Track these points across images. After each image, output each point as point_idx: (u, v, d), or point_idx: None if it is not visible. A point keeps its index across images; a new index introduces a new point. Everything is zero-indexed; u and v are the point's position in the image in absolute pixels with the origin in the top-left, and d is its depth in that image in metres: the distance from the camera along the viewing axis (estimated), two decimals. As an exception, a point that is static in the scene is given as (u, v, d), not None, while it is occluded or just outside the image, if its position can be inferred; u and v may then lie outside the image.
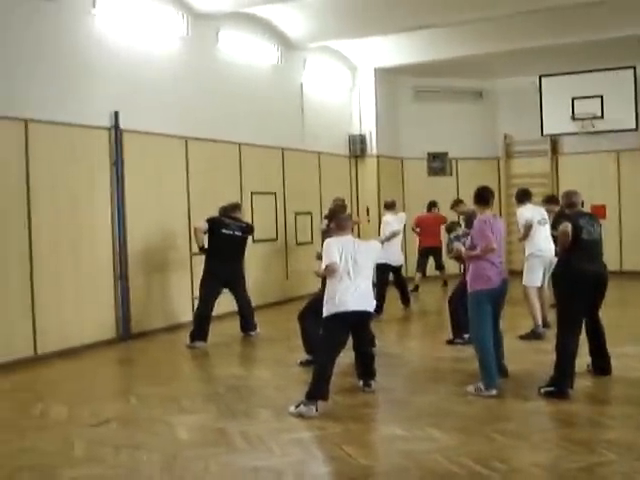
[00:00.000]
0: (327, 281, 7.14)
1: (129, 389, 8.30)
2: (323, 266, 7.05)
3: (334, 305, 6.94)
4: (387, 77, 17.54)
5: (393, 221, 12.74)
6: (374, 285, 8.61)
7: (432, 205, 15.68)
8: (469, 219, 8.85)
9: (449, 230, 9.90)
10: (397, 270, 12.75)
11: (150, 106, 11.22)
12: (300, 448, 5.83)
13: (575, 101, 17.23)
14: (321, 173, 15.77)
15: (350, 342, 7.38)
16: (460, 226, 9.84)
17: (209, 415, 6.83)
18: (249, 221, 11.84)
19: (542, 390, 7.09)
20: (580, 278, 7.24)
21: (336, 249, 7.00)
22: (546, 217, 10.45)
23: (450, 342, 9.75)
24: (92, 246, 10.33)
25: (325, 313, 7.02)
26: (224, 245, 10.42)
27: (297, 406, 6.63)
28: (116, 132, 10.63)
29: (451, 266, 14.08)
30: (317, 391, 6.69)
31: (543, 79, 17.51)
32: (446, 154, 18.49)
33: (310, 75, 15.56)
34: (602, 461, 5.28)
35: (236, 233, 10.58)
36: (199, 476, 5.27)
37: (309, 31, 14.47)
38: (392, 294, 12.70)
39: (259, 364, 9.63)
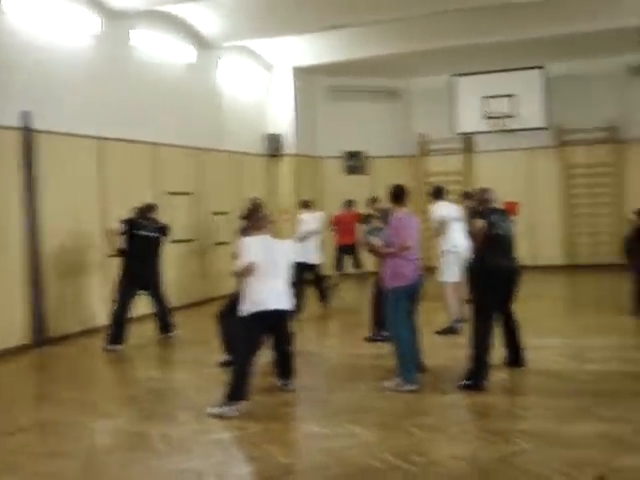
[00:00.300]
0: (245, 280, 7.14)
1: (46, 395, 8.15)
2: (240, 265, 7.05)
3: (252, 304, 6.94)
4: (303, 76, 17.61)
5: (310, 220, 12.79)
6: (292, 284, 8.64)
7: (349, 203, 15.77)
8: (385, 217, 8.95)
9: (364, 222, 9.96)
10: (315, 268, 12.83)
11: (63, 106, 11.02)
12: (221, 449, 5.84)
13: (488, 100, 17.62)
14: (238, 173, 15.73)
15: (269, 341, 7.40)
16: (375, 219, 9.90)
17: (129, 419, 6.77)
18: (165, 222, 11.73)
19: (459, 383, 7.25)
20: (493, 273, 7.45)
21: (253, 248, 7.00)
22: (461, 214, 10.67)
23: (369, 339, 9.85)
24: (2, 249, 10.09)
25: (243, 313, 7.00)
26: (140, 246, 10.31)
27: (217, 407, 6.62)
28: (27, 133, 10.39)
29: (369, 263, 14.22)
30: (237, 391, 6.69)
31: (457, 78, 17.86)
32: (362, 153, 18.67)
33: (226, 74, 15.50)
34: (518, 450, 5.44)
35: (152, 234, 10.48)
36: (119, 481, 5.23)
37: (225, 30, 14.43)
38: (311, 293, 12.75)
39: (178, 366, 9.57)
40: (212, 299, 13.61)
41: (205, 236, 14.50)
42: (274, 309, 6.96)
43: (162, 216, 11.41)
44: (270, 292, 6.95)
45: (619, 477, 4.78)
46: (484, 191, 8.02)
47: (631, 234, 11.67)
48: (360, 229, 12.10)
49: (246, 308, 6.98)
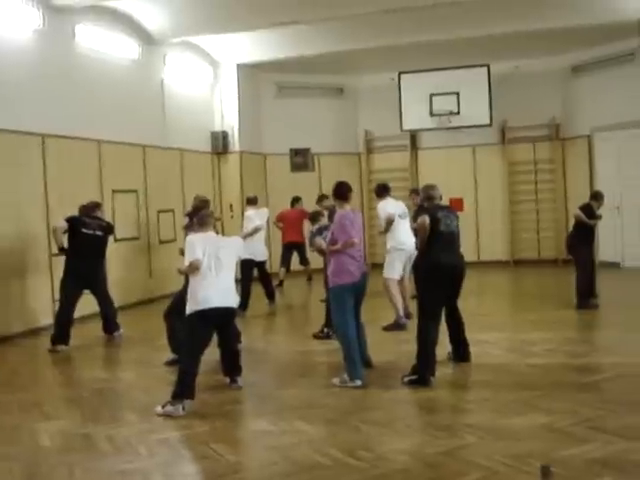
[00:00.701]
0: (190, 278, 7.10)
1: (-13, 396, 8.00)
2: (186, 263, 7.01)
3: (197, 302, 6.90)
4: (249, 73, 17.55)
5: (255, 216, 12.75)
6: (238, 281, 8.62)
7: (295, 200, 15.78)
8: (331, 214, 8.99)
9: (313, 219, 9.98)
10: (261, 265, 12.79)
11: (6, 102, 10.79)
12: (168, 448, 5.80)
13: (433, 97, 17.73)
14: (183, 170, 15.62)
15: (215, 339, 7.38)
16: (323, 216, 9.93)
17: (73, 420, 6.68)
18: (110, 220, 11.61)
19: (405, 379, 7.31)
20: (438, 269, 7.53)
21: (198, 246, 6.97)
22: (407, 211, 10.78)
23: (317, 336, 9.85)
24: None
25: (188, 311, 6.96)
26: (84, 245, 10.16)
27: (163, 406, 6.58)
28: (-35, 129, 10.20)
29: (315, 261, 14.25)
30: (183, 390, 6.65)
31: (402, 76, 17.91)
32: (308, 150, 18.67)
33: (171, 71, 15.37)
34: (463, 444, 5.51)
35: (97, 232, 10.34)
36: (64, 483, 5.16)
37: (170, 26, 14.30)
38: (257, 290, 12.73)
39: (124, 366, 9.47)
40: (158, 298, 13.50)
41: (150, 234, 14.36)
42: (219, 307, 6.92)
43: (107, 214, 11.29)
44: (215, 290, 6.90)
45: (562, 467, 4.86)
46: (429, 188, 8.09)
47: (574, 230, 11.90)
48: (307, 227, 12.13)
49: (191, 306, 6.93)
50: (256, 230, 12.42)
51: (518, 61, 17.64)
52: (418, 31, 15.14)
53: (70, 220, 10.18)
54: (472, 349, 8.16)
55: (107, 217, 11.47)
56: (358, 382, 7.28)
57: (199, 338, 6.94)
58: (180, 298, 7.85)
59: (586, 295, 11.37)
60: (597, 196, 11.95)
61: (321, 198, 12.64)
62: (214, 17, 14.04)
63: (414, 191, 11.88)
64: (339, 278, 7.46)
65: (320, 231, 9.39)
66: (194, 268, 6.89)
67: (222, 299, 6.96)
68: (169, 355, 8.51)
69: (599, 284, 11.95)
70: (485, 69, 17.44)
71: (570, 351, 8.60)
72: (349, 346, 7.40)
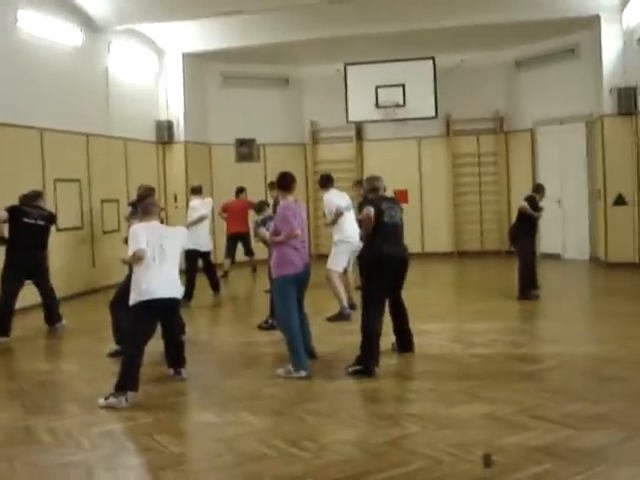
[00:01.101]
0: (134, 268, 7.03)
1: None
2: (129, 253, 6.93)
3: (140, 293, 6.82)
4: (195, 62, 17.41)
5: (200, 206, 12.67)
6: (183, 272, 8.57)
7: (240, 191, 15.72)
8: (275, 204, 8.99)
9: (258, 210, 9.96)
10: (206, 256, 12.72)
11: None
12: (111, 440, 5.75)
13: (379, 89, 17.80)
14: (127, 159, 15.45)
15: (159, 330, 7.32)
16: (268, 206, 9.92)
17: (13, 413, 6.56)
18: (52, 210, 11.42)
19: (349, 369, 7.35)
20: (382, 260, 7.58)
21: (142, 235, 6.89)
22: (351, 203, 10.80)
23: (262, 327, 9.84)
24: None
25: (132, 301, 6.88)
26: (26, 235, 9.98)
27: (106, 398, 6.51)
28: None
29: (260, 251, 14.22)
30: (126, 382, 6.58)
31: (348, 67, 17.95)
32: (254, 140, 18.61)
33: (116, 59, 15.16)
34: (407, 433, 5.56)
35: (38, 222, 10.16)
36: (5, 477, 5.06)
37: (115, 13, 14.11)
38: (202, 281, 12.67)
39: (66, 357, 9.35)
40: (101, 288, 13.36)
41: (94, 224, 14.18)
42: (163, 297, 6.86)
43: (49, 203, 11.11)
44: (159, 280, 6.84)
45: (504, 455, 4.94)
46: (373, 179, 8.14)
47: (516, 222, 12.07)
48: (252, 217, 12.10)
49: (134, 296, 6.86)
50: (201, 219, 12.36)
51: (463, 54, 17.80)
52: (364, 22, 15.20)
53: (10, 210, 9.98)
54: (416, 339, 8.24)
55: (49, 206, 11.28)
56: (303, 373, 7.29)
57: (143, 329, 6.88)
58: (124, 288, 7.76)
59: (528, 286, 11.56)
60: (539, 189, 12.15)
61: (272, 186, 12.60)
62: (159, 5, 13.91)
63: (358, 182, 11.94)
64: (282, 269, 7.46)
65: (264, 222, 9.39)
66: (137, 258, 6.83)
67: (166, 290, 6.90)
68: (112, 346, 8.43)
69: (541, 275, 12.16)
70: (431, 62, 17.57)
71: (512, 341, 8.74)
72: (292, 337, 7.41)
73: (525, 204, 11.68)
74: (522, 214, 11.73)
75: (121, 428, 6.03)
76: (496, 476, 4.65)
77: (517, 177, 17.86)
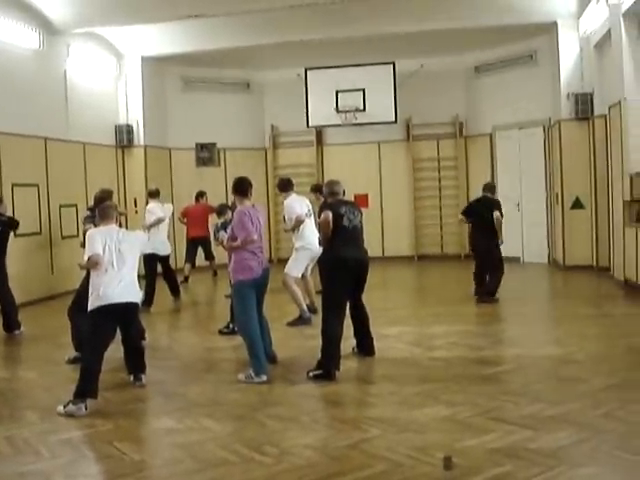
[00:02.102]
0: (91, 273, 6.94)
1: None
2: (85, 258, 6.86)
3: (98, 298, 6.74)
4: (155, 66, 17.31)
5: (156, 209, 12.53)
6: (142, 277, 8.50)
7: (200, 195, 15.65)
8: (233, 209, 8.93)
9: (219, 213, 9.91)
10: (165, 260, 12.61)
11: None
12: (70, 448, 5.67)
13: (339, 94, 17.85)
14: (86, 164, 15.31)
15: (119, 336, 7.25)
16: (230, 209, 9.86)
17: (-30, 421, 6.46)
18: (11, 215, 11.26)
19: (310, 374, 7.35)
20: (342, 264, 7.59)
21: (99, 239, 6.80)
22: (311, 208, 10.77)
23: (222, 332, 9.80)
24: None
25: (90, 306, 6.79)
26: (-18, 240, 9.88)
27: (65, 406, 6.42)
28: None
29: (221, 256, 14.17)
30: (85, 389, 6.50)
31: (309, 72, 17.97)
32: (214, 144, 18.56)
33: (75, 62, 15.03)
34: (368, 437, 5.57)
35: (-6, 227, 10.07)
36: (-40, 486, 5.00)
37: (74, 16, 13.98)
38: (162, 286, 12.58)
39: (24, 364, 9.20)
40: (60, 294, 13.20)
41: (52, 229, 14.02)
42: (121, 302, 6.79)
43: (7, 208, 10.96)
44: (117, 285, 6.77)
45: (464, 457, 4.97)
46: (332, 183, 8.14)
47: (474, 226, 12.17)
48: (213, 221, 12.05)
49: (92, 302, 6.78)
50: (158, 222, 12.21)
51: (423, 60, 17.93)
52: (325, 27, 15.25)
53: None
54: (376, 343, 8.26)
55: (7, 212, 11.12)
56: (263, 377, 7.27)
57: (101, 334, 6.80)
58: (82, 294, 7.69)
59: (486, 289, 11.68)
60: (493, 189, 12.27)
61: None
62: (119, 8, 13.80)
63: (316, 189, 11.64)
64: (240, 274, 7.44)
65: (225, 226, 9.38)
66: (93, 263, 6.74)
67: (124, 294, 6.83)
68: (72, 353, 8.33)
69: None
70: (391, 67, 17.66)
71: (472, 344, 8.80)
72: (252, 342, 7.39)
73: (499, 215, 11.67)
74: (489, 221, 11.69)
75: (80, 436, 5.96)
76: (457, 478, 4.69)
77: (476, 181, 17.86)
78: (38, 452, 5.55)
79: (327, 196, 8.13)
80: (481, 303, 11.47)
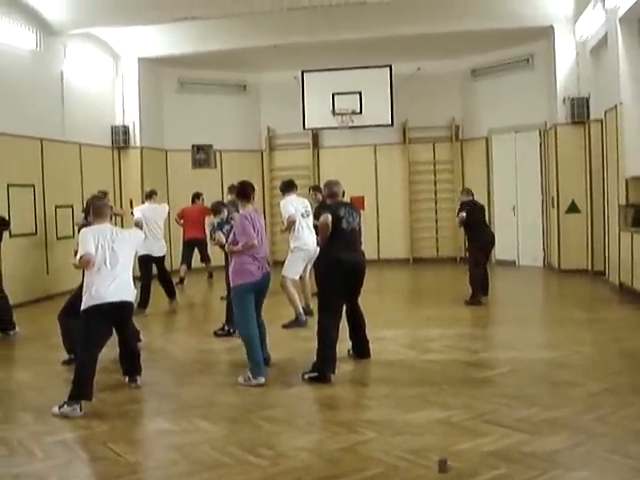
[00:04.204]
0: (85, 272, 6.90)
1: None
2: (77, 257, 6.83)
3: (91, 297, 6.71)
4: (151, 67, 17.31)
5: (144, 210, 12.32)
6: (138, 278, 8.47)
7: (196, 197, 15.64)
8: (236, 207, 8.88)
9: (214, 211, 9.86)
10: (160, 261, 12.54)
11: None
12: (65, 450, 5.67)
13: (335, 97, 17.85)
14: (83, 165, 15.29)
15: (115, 337, 7.24)
16: (225, 207, 9.82)
17: (-36, 422, 6.45)
18: (5, 215, 11.23)
19: (306, 376, 7.35)
20: (339, 266, 7.61)
21: (92, 238, 6.76)
22: (309, 209, 10.76)
23: (217, 334, 9.79)
24: None
25: (83, 306, 6.76)
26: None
27: (61, 407, 6.41)
28: None
29: (216, 258, 14.16)
30: (80, 390, 6.48)
31: (305, 74, 17.97)
32: (211, 146, 18.57)
33: (71, 63, 15.01)
34: (363, 440, 5.58)
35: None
36: (-46, 487, 4.99)
37: (71, 17, 13.95)
38: (158, 287, 12.55)
39: (19, 365, 9.20)
40: (55, 295, 13.18)
41: (48, 230, 14.00)
42: (114, 301, 6.74)
43: (2, 209, 10.94)
44: (110, 283, 6.73)
45: (459, 460, 4.98)
46: (332, 184, 8.12)
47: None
48: (208, 222, 12.01)
49: (87, 301, 6.74)
50: (136, 224, 11.95)
51: (420, 63, 17.95)
52: (322, 30, 15.28)
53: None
54: (372, 346, 8.27)
55: (2, 212, 11.10)
56: (261, 380, 7.26)
57: (95, 334, 6.75)
58: (73, 300, 7.67)
59: (478, 292, 11.71)
60: (471, 192, 12.38)
61: (231, 189, 12.36)
62: (116, 9, 13.80)
63: (315, 188, 11.90)
64: (240, 278, 7.44)
65: (221, 226, 9.35)
66: (85, 262, 6.70)
67: (117, 293, 6.78)
68: (66, 355, 8.31)
69: (495, 282, 12.28)
70: (387, 70, 17.68)
71: (467, 347, 8.81)
72: (251, 345, 7.39)
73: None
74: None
75: (75, 437, 5.94)
76: (452, 481, 4.70)
77: (472, 185, 17.76)
78: (32, 453, 5.54)
79: (327, 197, 8.12)
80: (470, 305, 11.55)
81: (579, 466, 4.96)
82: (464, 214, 11.78)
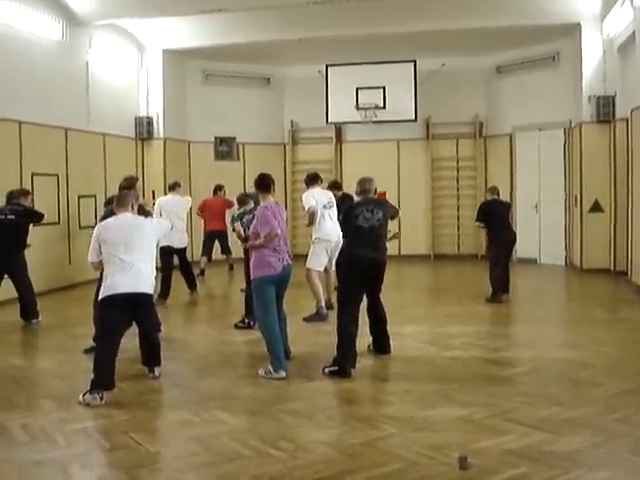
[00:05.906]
0: (103, 263, 6.90)
1: None
2: (89, 260, 6.93)
3: (106, 288, 6.72)
4: (176, 59, 17.36)
5: (162, 202, 12.36)
6: (159, 269, 8.46)
7: (218, 189, 15.67)
8: (256, 202, 8.87)
9: (240, 202, 9.85)
10: (181, 253, 12.56)
11: None
12: (86, 438, 5.72)
13: (359, 91, 17.82)
14: (106, 155, 15.36)
15: (134, 327, 7.24)
16: (251, 198, 9.81)
17: (-13, 408, 6.51)
18: (32, 206, 11.24)
19: (326, 370, 7.36)
20: (357, 263, 7.69)
21: (96, 241, 6.85)
22: (333, 200, 10.71)
23: (238, 326, 9.81)
24: None
25: (100, 296, 6.79)
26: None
27: (84, 395, 6.44)
28: None
29: (237, 250, 14.18)
30: (100, 379, 6.50)
31: (329, 68, 17.96)
32: (234, 139, 18.59)
33: (97, 54, 15.07)
34: (383, 435, 5.58)
35: (8, 217, 10.13)
36: (-23, 472, 5.04)
37: (97, 8, 14.02)
38: (178, 279, 12.59)
39: (41, 353, 9.27)
40: (77, 284, 13.28)
41: (71, 219, 14.08)
42: (128, 292, 6.71)
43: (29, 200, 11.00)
44: (125, 274, 6.70)
45: (480, 458, 4.97)
46: (365, 181, 8.15)
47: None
48: (230, 213, 11.99)
49: (103, 291, 6.76)
50: (176, 215, 11.98)
51: (444, 58, 17.86)
52: (347, 24, 15.24)
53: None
54: (392, 341, 8.26)
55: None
56: (282, 373, 7.28)
57: (110, 324, 6.74)
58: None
59: (499, 290, 11.67)
60: (496, 191, 12.32)
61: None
62: (142, 1, 13.84)
63: (334, 185, 11.84)
64: (260, 270, 7.44)
65: (241, 216, 9.33)
66: (94, 267, 6.94)
67: (131, 284, 6.73)
68: (89, 342, 8.34)
69: (516, 280, 12.22)
70: (412, 65, 17.62)
71: (487, 345, 8.78)
72: (271, 339, 7.40)
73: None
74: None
75: (96, 425, 5.99)
76: (473, 479, 4.69)
77: (495, 182, 17.72)
78: (54, 440, 5.59)
79: (358, 193, 8.17)
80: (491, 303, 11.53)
81: (601, 466, 4.94)
82: (481, 225, 12.00)
